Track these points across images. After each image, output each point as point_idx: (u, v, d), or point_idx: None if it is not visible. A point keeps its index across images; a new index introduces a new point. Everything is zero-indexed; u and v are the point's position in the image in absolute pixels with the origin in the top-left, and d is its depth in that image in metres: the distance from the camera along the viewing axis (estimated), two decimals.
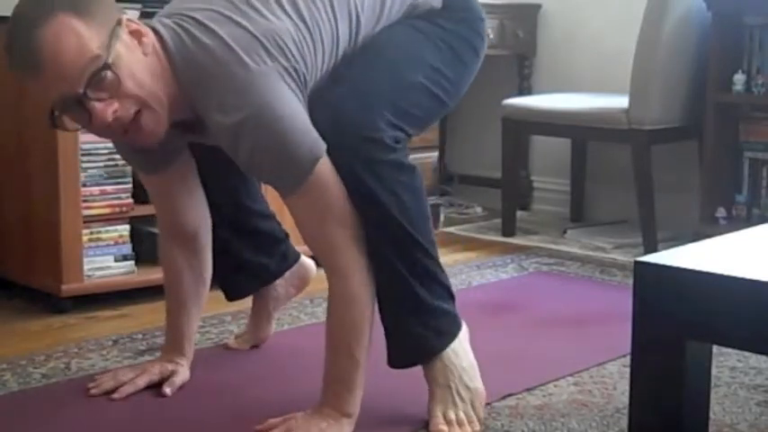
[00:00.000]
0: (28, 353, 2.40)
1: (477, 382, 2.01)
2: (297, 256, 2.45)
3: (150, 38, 1.81)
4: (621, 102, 3.46)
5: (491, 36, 3.94)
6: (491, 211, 4.11)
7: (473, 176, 4.40)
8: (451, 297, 2.01)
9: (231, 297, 2.44)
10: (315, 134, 1.82)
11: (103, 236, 2.79)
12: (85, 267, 2.75)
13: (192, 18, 1.84)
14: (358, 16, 1.94)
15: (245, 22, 1.82)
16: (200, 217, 2.19)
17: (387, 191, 1.86)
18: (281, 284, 2.44)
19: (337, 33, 1.91)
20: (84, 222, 2.74)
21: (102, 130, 1.80)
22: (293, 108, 1.81)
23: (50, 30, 1.71)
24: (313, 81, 1.89)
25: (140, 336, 2.53)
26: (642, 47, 3.41)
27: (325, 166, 1.83)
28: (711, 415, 1.79)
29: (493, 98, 3.97)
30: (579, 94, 3.82)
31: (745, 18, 3.46)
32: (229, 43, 1.79)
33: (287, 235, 2.42)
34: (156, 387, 2.15)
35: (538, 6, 4.22)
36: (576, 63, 4.11)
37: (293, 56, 1.83)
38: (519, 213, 3.95)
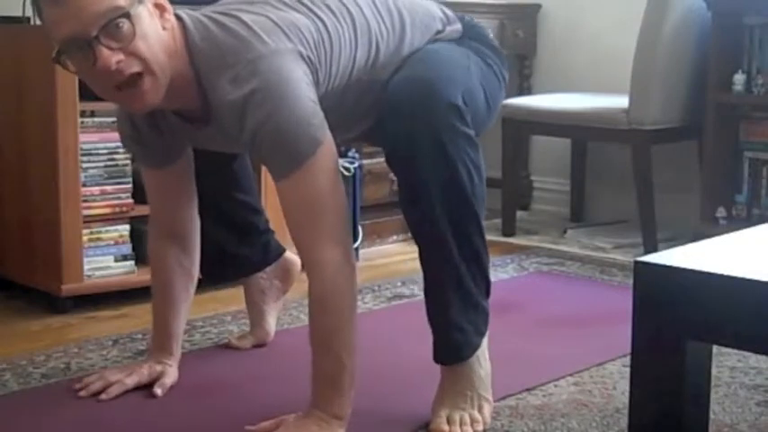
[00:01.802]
0: (28, 353, 2.40)
1: (490, 394, 2.01)
2: (281, 251, 2.46)
3: (172, 17, 1.86)
4: (621, 102, 3.46)
5: (491, 36, 3.93)
6: (491, 211, 4.07)
7: None
8: (488, 293, 1.99)
9: (209, 282, 2.46)
10: (321, 119, 1.84)
11: (103, 236, 2.79)
12: (85, 267, 2.75)
13: (216, 11, 1.91)
14: (378, 45, 1.98)
15: (267, 13, 1.89)
16: (193, 217, 2.20)
17: (461, 162, 1.87)
18: (263, 277, 2.45)
19: (355, 54, 1.95)
20: (84, 222, 2.74)
21: (101, 76, 1.79)
22: (303, 88, 1.83)
23: None
24: (324, 84, 1.90)
25: (140, 336, 2.53)
26: (642, 47, 3.41)
27: (325, 156, 1.83)
28: (711, 415, 1.79)
29: None
30: (579, 94, 3.82)
31: (745, 18, 3.45)
32: (251, 25, 1.85)
33: (272, 230, 2.44)
34: (148, 388, 2.14)
35: (538, 6, 4.22)
36: (575, 63, 4.11)
37: (309, 47, 1.87)
38: (519, 213, 3.95)
